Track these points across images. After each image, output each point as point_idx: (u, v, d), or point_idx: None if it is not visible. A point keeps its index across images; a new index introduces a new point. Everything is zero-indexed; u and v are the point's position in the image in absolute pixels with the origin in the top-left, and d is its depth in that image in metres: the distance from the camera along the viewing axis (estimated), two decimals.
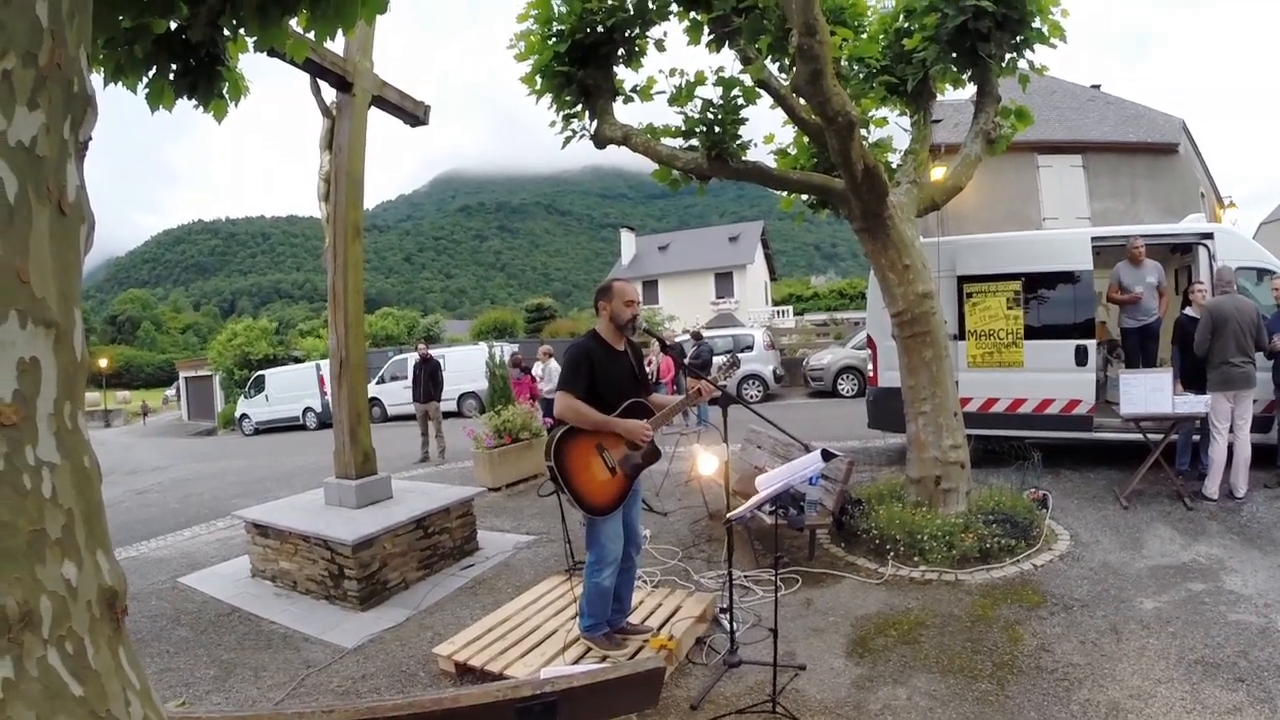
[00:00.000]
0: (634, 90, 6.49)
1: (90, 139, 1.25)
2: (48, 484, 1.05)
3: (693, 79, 5.89)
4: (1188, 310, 7.25)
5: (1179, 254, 9.33)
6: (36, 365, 1.05)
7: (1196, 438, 7.18)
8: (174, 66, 3.26)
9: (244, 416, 25.72)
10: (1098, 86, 23.47)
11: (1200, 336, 6.52)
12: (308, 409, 23.98)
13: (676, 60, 5.80)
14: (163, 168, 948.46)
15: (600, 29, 6.07)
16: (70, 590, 1.06)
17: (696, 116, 5.99)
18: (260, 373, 26.35)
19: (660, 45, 6.40)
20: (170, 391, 47.42)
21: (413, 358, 14.47)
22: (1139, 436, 6.91)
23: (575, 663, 3.95)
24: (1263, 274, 7.51)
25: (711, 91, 5.89)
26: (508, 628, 4.52)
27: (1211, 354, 6.48)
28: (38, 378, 1.05)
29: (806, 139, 6.83)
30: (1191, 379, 6.86)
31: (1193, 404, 6.51)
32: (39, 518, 1.03)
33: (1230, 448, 6.46)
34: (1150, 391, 6.58)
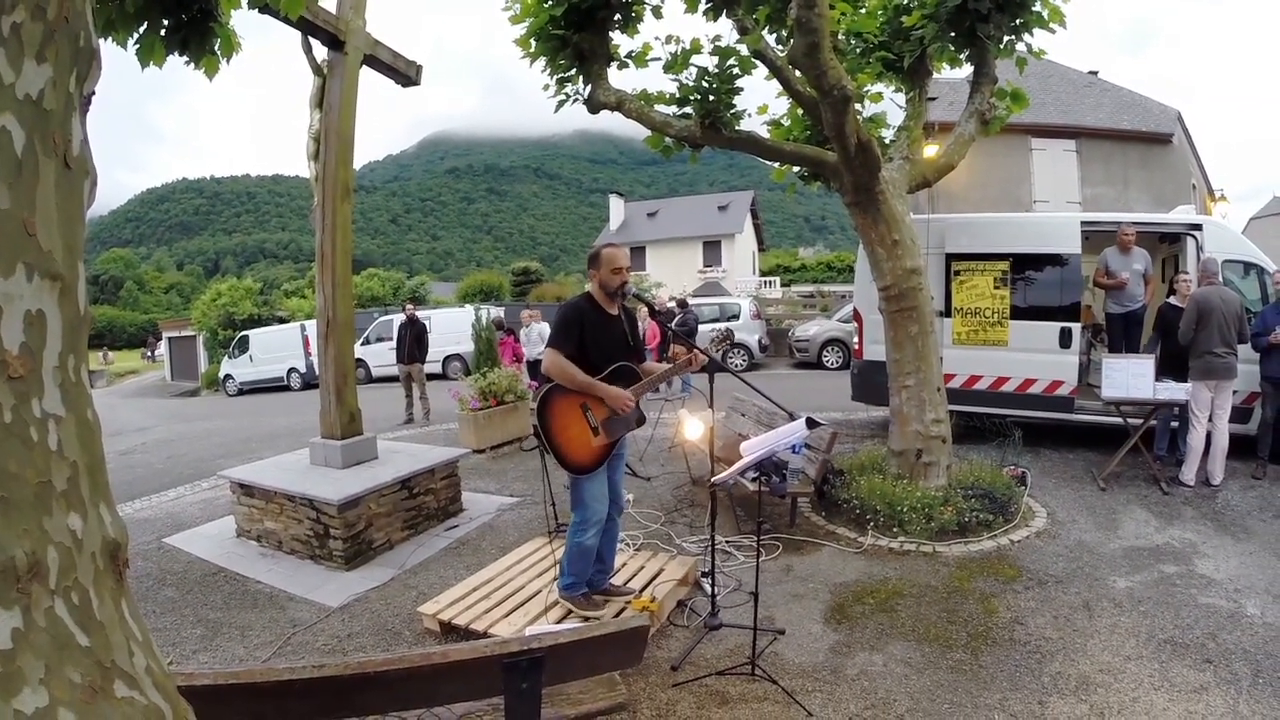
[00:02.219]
0: (629, 56, 6.44)
1: (94, 93, 1.24)
2: (53, 436, 1.06)
3: (689, 47, 5.86)
4: (1171, 299, 7.32)
5: (1167, 243, 9.40)
6: (42, 318, 1.05)
7: (1175, 424, 7.27)
8: (165, 22, 3.21)
9: (228, 377, 25.51)
10: (1095, 73, 23.37)
11: (1185, 326, 6.59)
12: (292, 369, 23.83)
13: (673, 27, 5.78)
14: (146, 125, 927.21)
15: None
16: (76, 542, 1.08)
17: (691, 84, 5.97)
18: (244, 333, 26.11)
19: (657, 12, 6.35)
20: (155, 352, 46.88)
21: (399, 319, 14.34)
22: (1119, 420, 7.01)
23: (558, 623, 4.02)
24: (1249, 268, 7.58)
25: (707, 60, 5.89)
26: (492, 588, 4.57)
27: (1195, 344, 6.56)
28: (44, 331, 1.06)
29: (801, 111, 6.81)
30: (1169, 367, 6.95)
31: (1173, 391, 6.59)
32: (45, 470, 1.04)
33: (1208, 436, 6.58)
34: (1132, 376, 6.66)
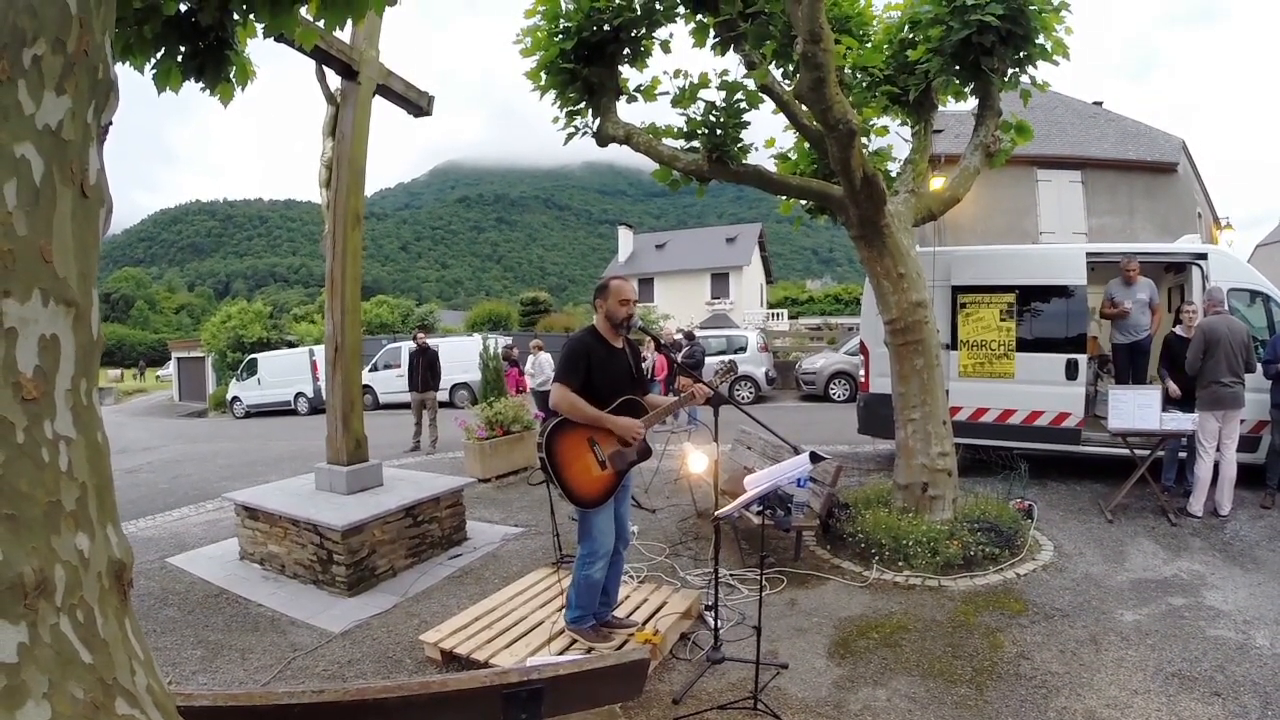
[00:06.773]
0: (638, 90, 6.51)
1: (111, 123, 1.28)
2: (64, 457, 1.09)
3: (696, 81, 5.93)
4: (1176, 329, 7.31)
5: (1173, 273, 9.40)
6: (56, 343, 1.08)
7: (1183, 455, 7.23)
8: (182, 48, 3.28)
9: (235, 399, 25.62)
10: (1100, 103, 23.55)
11: (1193, 356, 6.58)
12: (299, 394, 23.90)
13: (681, 62, 5.80)
14: (162, 146, 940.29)
15: (607, 28, 6.09)
16: (82, 561, 1.10)
17: (699, 118, 6.03)
18: (253, 356, 26.22)
19: (666, 46, 6.42)
20: (163, 371, 47.09)
21: (407, 346, 14.40)
22: (1126, 451, 6.97)
23: (561, 654, 3.99)
24: (1255, 296, 7.58)
25: (715, 94, 5.94)
26: (494, 617, 4.55)
27: (1202, 373, 6.54)
28: (57, 355, 1.08)
29: (807, 145, 6.88)
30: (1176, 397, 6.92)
31: (1180, 421, 6.57)
32: (55, 489, 1.06)
33: (1216, 466, 6.53)
34: (1138, 407, 6.64)
